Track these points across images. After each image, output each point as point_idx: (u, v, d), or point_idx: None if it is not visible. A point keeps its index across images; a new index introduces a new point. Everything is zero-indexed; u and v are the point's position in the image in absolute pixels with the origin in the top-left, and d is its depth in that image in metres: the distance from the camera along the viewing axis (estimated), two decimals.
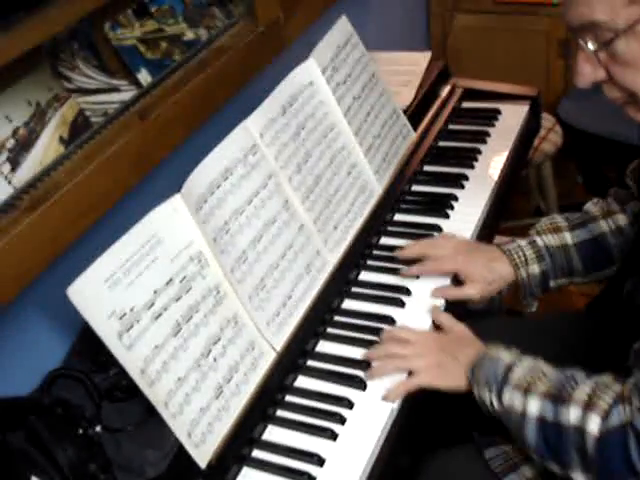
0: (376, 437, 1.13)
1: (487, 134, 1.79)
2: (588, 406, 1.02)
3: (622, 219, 1.39)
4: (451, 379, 1.21)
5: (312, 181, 1.38)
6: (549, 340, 1.43)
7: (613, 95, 1.07)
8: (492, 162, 1.70)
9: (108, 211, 1.12)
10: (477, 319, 1.61)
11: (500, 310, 2.30)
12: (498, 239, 2.27)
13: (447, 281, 1.39)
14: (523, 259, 1.39)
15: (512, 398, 1.11)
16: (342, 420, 1.15)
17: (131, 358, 1.00)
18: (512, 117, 1.85)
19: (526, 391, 1.09)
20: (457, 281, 1.40)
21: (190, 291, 1.10)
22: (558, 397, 1.06)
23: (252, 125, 1.27)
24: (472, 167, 1.68)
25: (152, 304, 1.04)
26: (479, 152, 1.73)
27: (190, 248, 1.12)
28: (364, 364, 1.24)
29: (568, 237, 1.40)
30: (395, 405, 1.18)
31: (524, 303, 1.45)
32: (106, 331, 0.98)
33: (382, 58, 1.89)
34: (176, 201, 1.11)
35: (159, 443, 1.07)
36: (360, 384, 1.21)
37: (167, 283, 1.07)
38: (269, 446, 1.14)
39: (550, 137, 2.42)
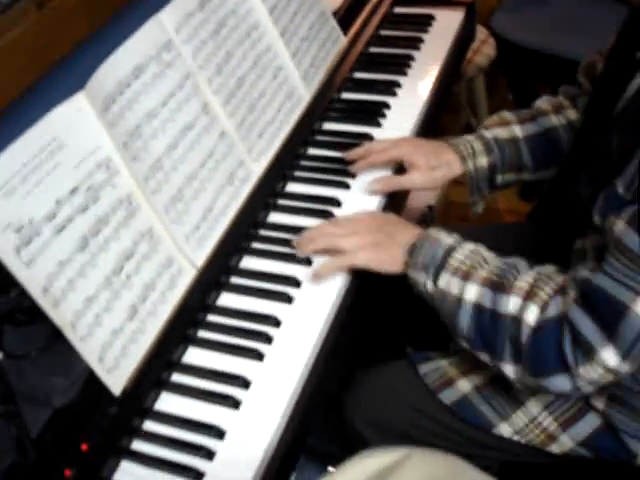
0: (306, 356, 1.05)
1: (420, 40, 1.69)
2: (528, 296, 1.00)
3: (573, 114, 1.35)
4: (387, 260, 1.14)
5: (234, 84, 1.26)
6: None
7: None
8: (426, 69, 1.61)
9: (2, 111, 0.99)
10: None
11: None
12: None
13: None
14: (471, 151, 1.33)
15: (449, 282, 1.07)
16: (269, 339, 1.08)
17: (31, 275, 0.89)
18: (446, 23, 1.75)
19: (465, 276, 1.06)
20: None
21: (98, 202, 0.99)
22: (498, 285, 1.03)
23: (166, 19, 1.15)
24: (405, 74, 1.59)
25: (54, 215, 0.93)
26: (412, 59, 1.63)
27: (97, 154, 1.00)
28: (292, 280, 1.15)
29: (517, 130, 1.35)
30: (325, 320, 1.10)
31: (471, 201, 1.39)
32: (1, 245, 0.87)
33: None
34: (79, 100, 0.98)
35: (67, 369, 0.97)
36: (287, 300, 1.12)
37: (71, 192, 0.96)
38: (190, 369, 1.06)
39: (483, 50, 2.34)
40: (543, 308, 0.98)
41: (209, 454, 0.96)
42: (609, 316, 0.92)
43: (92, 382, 0.95)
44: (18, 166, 0.90)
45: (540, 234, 1.20)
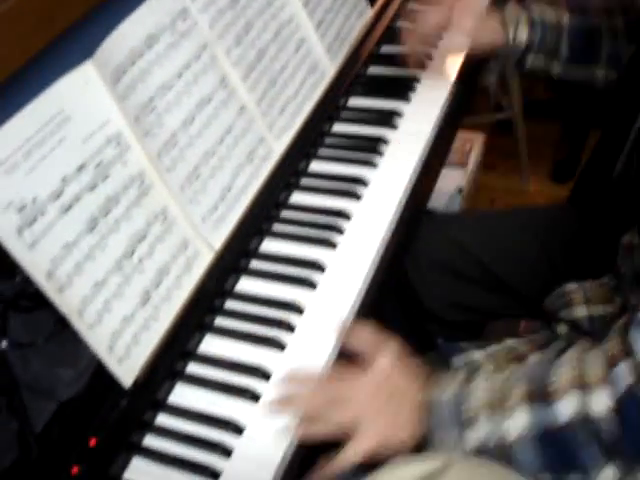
0: (330, 347, 0.98)
1: None
2: (583, 385, 0.82)
3: (620, 22, 1.29)
4: (401, 444, 0.90)
5: (254, 56, 1.19)
6: (528, 237, 1.29)
7: None
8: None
9: (5, 81, 0.92)
10: (445, 221, 1.49)
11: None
12: (460, 134, 2.13)
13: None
14: (515, 21, 1.32)
15: (480, 430, 0.86)
16: (290, 328, 1.01)
17: (34, 258, 0.83)
18: None
19: (494, 411, 0.86)
20: None
21: (108, 179, 0.92)
22: (541, 394, 0.84)
23: None
24: (435, 46, 1.50)
25: (60, 194, 0.86)
26: (440, 37, 1.54)
27: (106, 128, 0.93)
28: (316, 265, 1.08)
29: (565, 17, 1.31)
30: (351, 306, 1.03)
31: (488, 75, 1.39)
32: (2, 226, 0.81)
33: None
34: (88, 71, 0.92)
35: (74, 359, 0.90)
36: (310, 286, 1.05)
37: (79, 169, 0.89)
38: (207, 359, 0.99)
39: None
40: (609, 384, 0.80)
41: (226, 452, 0.89)
42: None
43: (101, 373, 0.89)
44: (21, 140, 0.83)
45: (581, 220, 1.12)
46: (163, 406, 0.95)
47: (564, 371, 0.84)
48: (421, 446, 0.89)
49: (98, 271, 0.89)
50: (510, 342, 1.16)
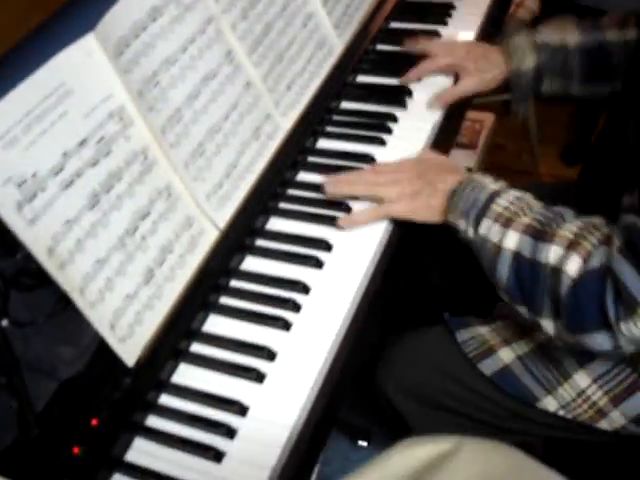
0: (337, 326, 0.96)
1: None
2: (571, 245, 0.92)
3: (633, 34, 1.26)
4: (426, 209, 1.08)
5: (260, 30, 1.16)
6: None
7: None
8: (466, 19, 1.50)
9: (5, 55, 0.90)
10: None
11: None
12: (470, 114, 2.10)
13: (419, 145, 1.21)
14: (518, 51, 1.31)
15: (490, 229, 1.00)
16: (297, 307, 0.99)
17: (35, 234, 0.81)
18: None
19: (506, 223, 0.98)
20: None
21: (110, 155, 0.90)
22: (540, 232, 0.95)
23: None
24: (445, 24, 1.48)
25: (61, 169, 0.84)
26: (453, 7, 1.52)
27: (109, 102, 0.91)
28: (323, 244, 1.06)
29: (571, 38, 1.30)
30: (358, 286, 1.01)
31: (513, 99, 1.36)
32: (2, 201, 0.79)
33: None
34: (89, 43, 0.89)
35: (75, 338, 0.89)
36: (317, 265, 1.03)
37: (80, 144, 0.87)
38: (211, 339, 0.98)
39: (527, 3, 2.21)
40: (586, 259, 0.90)
41: (230, 432, 0.87)
42: None
43: (103, 352, 0.87)
44: (20, 114, 0.81)
45: (587, 193, 1.10)
46: (166, 386, 0.93)
47: (568, 227, 0.94)
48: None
49: (100, 248, 0.87)
50: (518, 319, 1.15)
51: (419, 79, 1.34)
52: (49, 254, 0.82)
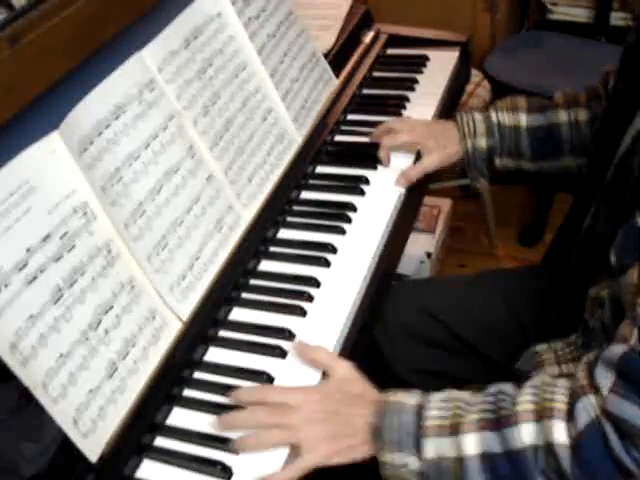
0: None
1: (415, 81, 1.64)
2: (542, 416, 0.83)
3: (583, 114, 1.33)
4: (347, 453, 0.92)
5: (221, 126, 1.19)
6: (496, 301, 1.29)
7: None
8: (421, 110, 1.55)
9: None
10: (414, 287, 1.50)
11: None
12: (427, 199, 2.15)
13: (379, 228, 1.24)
14: (472, 131, 1.37)
15: (437, 447, 0.87)
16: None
17: None
18: (441, 64, 1.70)
19: (453, 430, 0.87)
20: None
21: (73, 250, 0.91)
22: (497, 421, 0.85)
23: (149, 57, 1.09)
24: (400, 115, 1.53)
25: (25, 265, 0.85)
26: (407, 100, 1.58)
27: (72, 198, 0.92)
28: (285, 333, 1.07)
29: (523, 119, 1.36)
30: (319, 377, 1.01)
31: (470, 177, 1.42)
32: None
33: (299, 2, 1.71)
34: (54, 141, 0.91)
35: (38, 434, 0.88)
36: (280, 354, 1.04)
37: (44, 240, 0.88)
38: (175, 432, 0.97)
39: (478, 92, 2.29)
40: (568, 420, 0.82)
41: None
42: None
43: (66, 448, 0.86)
44: None
45: (554, 278, 1.12)
46: None
47: (523, 399, 0.85)
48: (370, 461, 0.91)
49: (63, 343, 0.87)
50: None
51: (389, 159, 1.39)
52: (12, 350, 0.82)
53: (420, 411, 0.89)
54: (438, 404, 0.90)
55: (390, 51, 1.76)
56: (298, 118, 1.39)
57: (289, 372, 1.02)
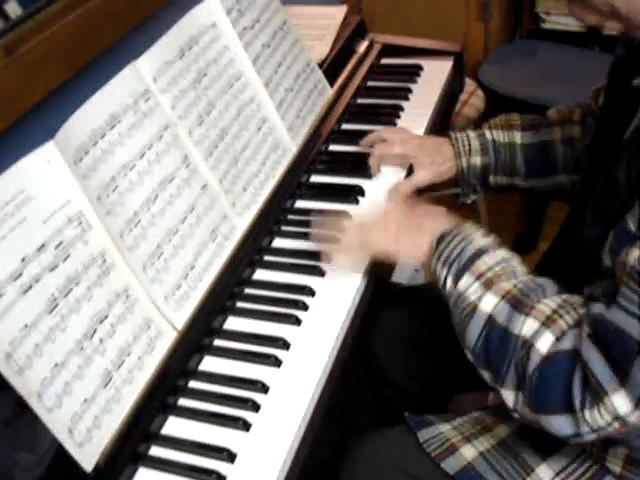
0: (296, 425, 0.97)
1: (409, 90, 1.64)
2: (547, 322, 0.92)
3: (577, 131, 1.33)
4: (409, 246, 1.11)
5: (216, 135, 1.20)
6: None
7: (587, 18, 0.96)
8: (415, 119, 1.55)
9: None
10: (408, 294, 1.50)
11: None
12: None
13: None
14: (467, 149, 1.37)
15: (469, 285, 0.99)
16: (256, 406, 0.99)
17: None
18: (435, 73, 1.71)
19: (487, 284, 0.98)
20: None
21: (68, 259, 0.91)
22: (519, 302, 0.95)
23: (143, 67, 1.09)
24: (394, 124, 1.54)
25: (20, 274, 0.85)
26: (401, 109, 1.58)
27: (68, 208, 0.93)
28: (280, 342, 1.07)
29: (518, 136, 1.36)
30: (317, 387, 1.01)
31: (461, 193, 1.43)
32: None
33: (293, 12, 1.72)
34: (49, 151, 0.92)
35: (33, 443, 0.88)
36: (275, 363, 1.04)
37: (39, 249, 0.88)
38: (170, 441, 0.97)
39: (472, 101, 2.29)
40: (559, 338, 0.90)
41: None
42: (622, 356, 0.83)
43: (61, 457, 0.86)
44: None
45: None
46: None
47: (547, 302, 0.94)
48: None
49: (58, 352, 0.87)
50: (476, 414, 1.15)
51: (379, 168, 1.40)
52: (7, 359, 0.82)
53: (480, 253, 1.01)
54: (496, 258, 1.01)
55: (384, 61, 1.77)
56: (293, 127, 1.39)
57: (284, 381, 1.02)
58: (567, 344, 0.89)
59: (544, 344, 0.90)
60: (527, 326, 0.92)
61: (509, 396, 0.94)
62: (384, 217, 1.15)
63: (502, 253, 1.03)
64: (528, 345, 0.91)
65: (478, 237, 1.04)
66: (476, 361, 0.98)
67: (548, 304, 0.94)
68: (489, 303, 0.96)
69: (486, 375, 0.97)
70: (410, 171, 1.40)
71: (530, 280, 0.99)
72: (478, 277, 0.99)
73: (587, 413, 0.86)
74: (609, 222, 0.95)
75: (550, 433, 0.92)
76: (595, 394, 0.85)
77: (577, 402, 0.86)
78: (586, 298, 0.96)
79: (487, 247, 1.03)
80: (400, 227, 1.12)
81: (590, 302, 0.92)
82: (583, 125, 1.33)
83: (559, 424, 0.89)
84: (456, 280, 1.01)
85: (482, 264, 1.00)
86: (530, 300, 0.94)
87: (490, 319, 0.96)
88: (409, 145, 1.39)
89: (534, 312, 0.93)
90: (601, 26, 0.96)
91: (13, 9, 1.10)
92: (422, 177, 1.36)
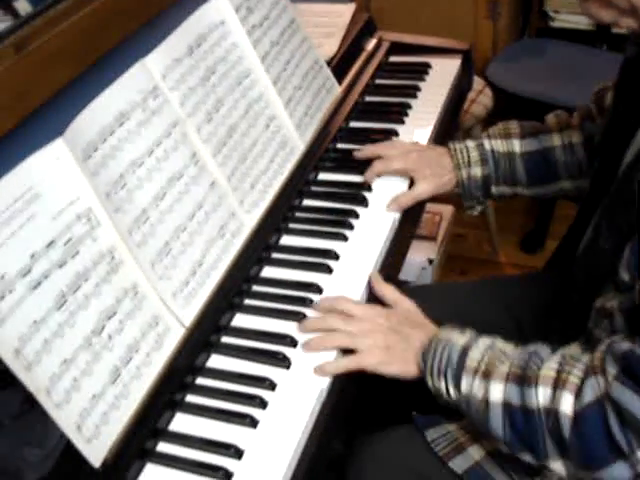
0: (303, 423, 0.97)
1: (417, 88, 1.64)
2: (557, 384, 0.91)
3: (576, 136, 1.33)
4: (399, 365, 1.07)
5: (225, 133, 1.20)
6: (498, 308, 1.30)
7: (602, 15, 0.95)
8: (423, 117, 1.56)
9: None
10: (416, 293, 1.49)
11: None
12: (429, 206, 2.15)
13: (375, 253, 1.23)
14: (466, 160, 1.35)
15: (471, 384, 0.99)
16: (263, 404, 0.99)
17: (2, 336, 0.81)
18: (443, 71, 1.71)
19: (486, 375, 0.98)
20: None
21: (77, 256, 0.92)
22: (523, 378, 0.94)
23: (152, 64, 1.09)
24: (402, 122, 1.54)
25: (29, 271, 0.85)
26: (409, 107, 1.58)
27: (77, 204, 0.93)
28: (287, 339, 1.07)
29: (517, 145, 1.35)
30: (325, 385, 1.02)
31: (466, 205, 1.41)
32: None
33: (302, 10, 1.72)
34: (58, 147, 0.92)
35: (41, 439, 0.88)
36: (283, 362, 1.04)
37: (48, 246, 0.88)
38: (178, 438, 0.97)
39: (480, 99, 2.30)
40: (577, 394, 0.89)
41: None
42: None
43: (69, 453, 0.87)
44: None
45: (556, 286, 1.13)
46: None
47: (548, 365, 0.93)
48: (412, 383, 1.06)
49: (67, 348, 0.88)
50: None
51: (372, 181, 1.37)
52: (16, 355, 0.82)
53: (466, 351, 1.01)
54: (481, 349, 1.01)
55: (392, 59, 1.77)
56: (301, 125, 1.39)
57: (292, 378, 1.03)
58: (589, 396, 0.88)
59: (567, 406, 0.89)
60: (541, 395, 0.92)
61: (559, 467, 0.93)
62: (370, 323, 1.09)
63: (484, 342, 1.03)
64: (552, 412, 0.91)
65: (456, 338, 1.04)
66: (512, 449, 0.98)
67: (550, 366, 0.94)
68: (497, 392, 0.96)
69: (528, 457, 0.97)
70: (411, 183, 1.38)
71: (522, 352, 0.99)
72: (474, 373, 0.99)
73: (639, 452, 0.85)
74: (625, 234, 0.94)
75: None
76: (638, 432, 0.84)
77: (625, 446, 0.85)
78: (596, 310, 0.95)
79: (469, 344, 1.02)
80: (387, 339, 1.08)
81: (612, 343, 0.91)
82: (582, 130, 1.33)
83: (618, 472, 0.88)
84: (457, 385, 1.01)
85: (471, 361, 1.00)
86: (531, 371, 0.94)
87: (506, 405, 0.95)
88: (408, 159, 1.37)
89: (540, 380, 0.93)
90: (615, 23, 0.95)
91: (23, 6, 1.10)
92: (423, 189, 1.35)
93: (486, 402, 0.96)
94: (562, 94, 2.27)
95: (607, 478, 0.89)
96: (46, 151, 0.91)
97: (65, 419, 0.86)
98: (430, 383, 1.04)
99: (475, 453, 1.09)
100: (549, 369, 0.93)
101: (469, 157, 1.35)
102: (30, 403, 0.86)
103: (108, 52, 1.12)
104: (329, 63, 1.58)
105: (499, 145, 1.35)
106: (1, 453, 0.87)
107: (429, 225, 2.30)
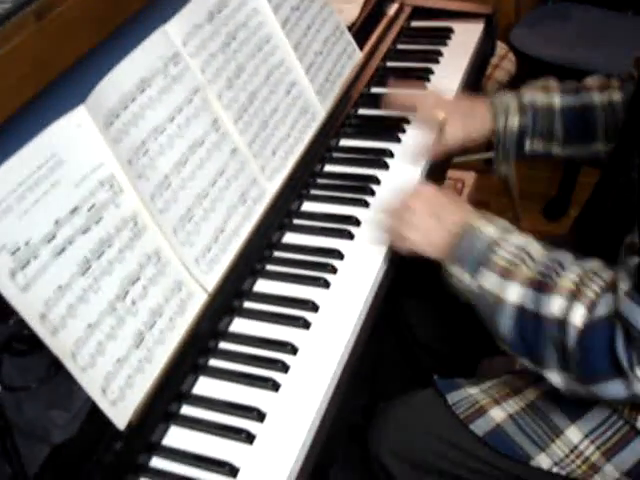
0: (325, 385, 0.98)
1: (440, 53, 1.63)
2: (574, 295, 0.91)
3: (617, 95, 1.30)
4: (431, 245, 1.09)
5: (246, 99, 1.20)
6: None
7: None
8: (445, 82, 1.54)
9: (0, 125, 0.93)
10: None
11: None
12: (451, 173, 2.14)
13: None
14: (505, 108, 1.33)
15: (488, 279, 0.99)
16: (285, 367, 1.00)
17: (28, 301, 0.83)
18: (466, 36, 1.69)
19: (507, 274, 0.98)
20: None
21: (101, 222, 0.92)
22: (541, 284, 0.95)
23: (173, 30, 1.09)
24: (424, 88, 1.52)
25: (53, 237, 0.87)
26: (431, 72, 1.57)
27: (99, 171, 0.94)
28: (309, 304, 1.08)
29: (557, 99, 1.32)
30: (343, 349, 1.02)
31: (495, 158, 1.39)
32: None
33: None
34: (80, 114, 0.93)
35: (67, 402, 0.90)
36: (304, 325, 1.05)
37: (72, 212, 0.89)
38: (201, 401, 0.99)
39: (503, 65, 2.27)
40: (591, 308, 0.90)
41: None
42: None
43: (95, 415, 0.88)
44: (14, 184, 0.84)
45: (580, 250, 1.12)
46: (157, 449, 0.94)
47: (568, 276, 0.94)
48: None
49: (91, 313, 0.89)
50: (505, 377, 1.16)
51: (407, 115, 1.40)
52: (41, 320, 0.84)
53: (493, 246, 1.01)
54: (509, 248, 1.00)
55: (414, 23, 1.75)
56: (322, 91, 1.39)
57: (313, 343, 1.04)
58: (601, 311, 0.89)
59: (577, 318, 0.90)
60: (556, 304, 0.92)
61: (555, 377, 0.95)
62: (408, 202, 1.14)
63: (515, 240, 1.02)
64: (562, 323, 0.91)
65: (488, 230, 1.04)
66: (513, 350, 0.99)
67: (569, 277, 0.94)
68: (513, 293, 0.96)
69: (527, 363, 0.98)
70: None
71: (547, 258, 0.99)
72: (495, 270, 0.99)
73: (637, 370, 0.86)
74: None
75: (606, 399, 0.93)
76: None
77: (625, 363, 0.86)
78: (626, 246, 0.95)
79: (499, 239, 1.02)
80: (427, 222, 1.11)
81: (628, 255, 0.91)
82: (623, 90, 1.30)
83: (614, 389, 0.89)
84: (473, 275, 1.01)
85: (496, 257, 1.00)
86: (551, 279, 0.94)
87: (519, 308, 0.96)
88: (443, 107, 1.36)
89: (558, 289, 0.93)
90: None
91: None
92: (452, 138, 1.34)
93: (500, 299, 0.97)
94: (586, 59, 2.24)
95: (601, 393, 0.91)
96: (68, 118, 0.91)
97: (90, 383, 0.87)
98: (450, 269, 1.05)
99: (496, 415, 1.10)
100: (568, 280, 0.93)
101: (508, 106, 1.33)
102: (56, 367, 0.88)
103: (129, 19, 1.11)
104: (350, 28, 1.57)
105: (539, 97, 1.33)
106: (30, 416, 0.89)
107: (451, 192, 2.29)
